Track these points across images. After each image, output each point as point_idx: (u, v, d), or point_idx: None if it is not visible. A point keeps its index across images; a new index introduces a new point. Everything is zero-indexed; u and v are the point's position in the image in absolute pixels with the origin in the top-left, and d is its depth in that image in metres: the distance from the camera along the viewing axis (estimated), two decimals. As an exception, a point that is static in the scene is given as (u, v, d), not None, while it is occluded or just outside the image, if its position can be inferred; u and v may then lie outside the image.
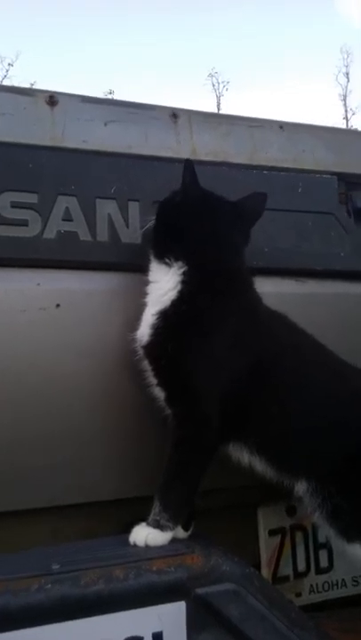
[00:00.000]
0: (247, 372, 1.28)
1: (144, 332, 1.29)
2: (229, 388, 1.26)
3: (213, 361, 1.26)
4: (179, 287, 1.29)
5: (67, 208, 1.36)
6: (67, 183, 1.37)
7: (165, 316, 1.28)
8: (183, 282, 1.29)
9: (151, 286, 1.34)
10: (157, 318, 1.28)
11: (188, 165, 1.36)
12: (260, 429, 1.31)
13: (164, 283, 1.32)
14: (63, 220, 1.35)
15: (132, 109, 1.54)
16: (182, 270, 1.30)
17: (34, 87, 1.47)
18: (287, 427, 1.31)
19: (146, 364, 1.30)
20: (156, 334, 1.27)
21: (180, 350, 1.25)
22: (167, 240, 1.34)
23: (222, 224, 1.36)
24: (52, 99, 1.44)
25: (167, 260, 1.32)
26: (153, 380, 1.29)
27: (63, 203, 1.35)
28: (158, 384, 1.29)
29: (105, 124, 1.48)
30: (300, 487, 1.33)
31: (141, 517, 1.22)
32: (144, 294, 1.35)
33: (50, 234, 1.34)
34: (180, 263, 1.31)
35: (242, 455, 1.32)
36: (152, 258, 1.36)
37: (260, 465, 1.32)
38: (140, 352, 1.30)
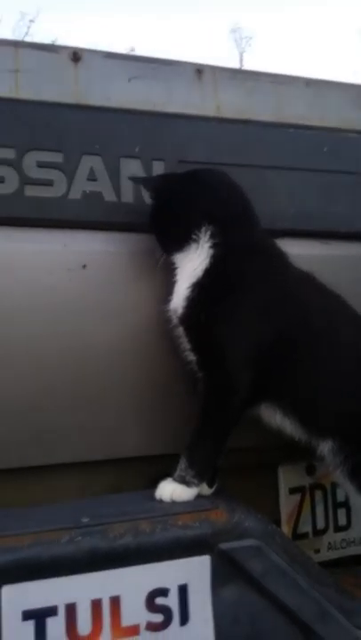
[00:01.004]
0: (279, 334, 1.28)
1: (178, 304, 1.30)
2: (261, 351, 1.27)
3: (245, 326, 1.27)
4: (210, 259, 1.29)
5: (91, 168, 1.35)
6: (91, 142, 1.36)
7: (199, 287, 1.28)
8: (213, 254, 1.29)
9: (180, 262, 1.34)
10: (191, 291, 1.29)
11: None
12: (292, 391, 1.32)
13: (194, 256, 1.31)
14: (88, 179, 1.34)
15: (156, 65, 1.50)
16: (211, 242, 1.30)
17: (57, 43, 1.43)
18: (317, 387, 1.33)
19: (180, 331, 1.31)
20: (190, 306, 1.28)
21: (215, 319, 1.26)
22: (190, 218, 1.32)
23: (239, 191, 1.36)
24: (76, 55, 1.41)
25: (193, 236, 1.31)
26: (186, 346, 1.31)
27: (88, 162, 1.34)
28: (191, 349, 1.30)
29: (129, 81, 1.45)
30: (325, 446, 1.35)
31: (167, 473, 1.25)
32: (172, 270, 1.35)
33: (75, 194, 1.33)
34: (207, 236, 1.30)
35: (274, 417, 1.34)
36: (172, 238, 1.34)
37: (290, 426, 1.34)
38: (175, 321, 1.31)
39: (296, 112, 1.64)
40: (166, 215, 1.35)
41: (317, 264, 1.43)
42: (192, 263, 1.31)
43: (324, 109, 1.67)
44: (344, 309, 1.40)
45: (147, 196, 1.39)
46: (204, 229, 1.31)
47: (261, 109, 1.60)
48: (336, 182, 1.60)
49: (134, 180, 1.37)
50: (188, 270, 1.31)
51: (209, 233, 1.30)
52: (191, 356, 1.31)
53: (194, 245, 1.31)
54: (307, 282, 1.37)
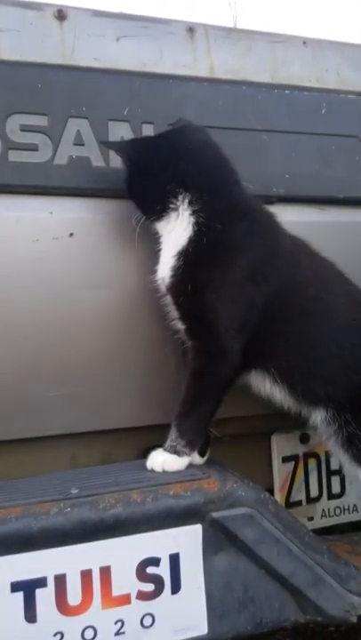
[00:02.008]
0: (267, 301, 1.26)
1: (165, 273, 1.28)
2: (251, 317, 1.25)
3: (233, 293, 1.24)
4: (192, 227, 1.26)
5: (78, 131, 1.30)
6: (77, 104, 1.31)
7: (184, 255, 1.26)
8: (195, 221, 1.27)
9: (163, 231, 1.31)
10: (177, 259, 1.26)
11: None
12: (281, 358, 1.30)
13: (176, 225, 1.28)
14: (75, 144, 1.30)
15: (146, 24, 1.44)
16: (191, 209, 1.27)
17: (41, 1, 1.37)
18: (308, 355, 1.31)
19: (168, 300, 1.29)
20: (176, 274, 1.26)
21: (202, 287, 1.24)
22: (164, 186, 1.28)
23: (215, 152, 1.31)
24: (61, 13, 1.35)
25: (172, 205, 1.28)
26: (175, 314, 1.29)
27: (74, 126, 1.30)
28: (180, 318, 1.28)
29: (117, 40, 1.40)
30: (318, 416, 1.34)
31: (158, 444, 1.24)
32: (157, 239, 1.32)
33: (61, 159, 1.29)
34: (185, 204, 1.27)
35: (263, 384, 1.33)
36: (151, 207, 1.30)
37: (280, 394, 1.33)
38: (163, 290, 1.29)
39: (293, 73, 1.59)
40: (141, 184, 1.30)
41: (313, 231, 1.40)
42: (175, 232, 1.28)
43: (322, 70, 1.62)
44: (336, 276, 1.37)
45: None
46: (181, 197, 1.27)
47: (256, 70, 1.55)
48: (334, 146, 1.56)
49: (105, 144, 1.31)
50: (173, 239, 1.28)
51: (187, 200, 1.27)
52: (179, 325, 1.29)
53: (174, 214, 1.28)
54: (297, 247, 1.35)
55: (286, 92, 1.53)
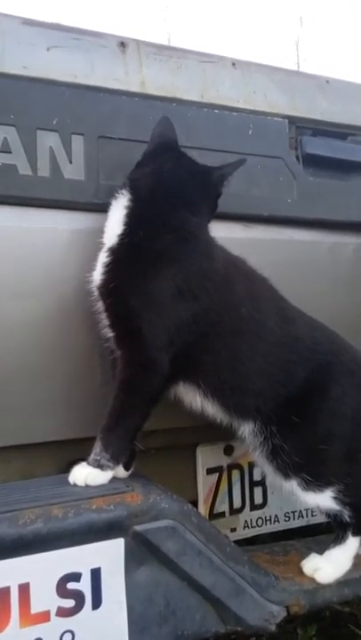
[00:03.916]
0: (197, 318, 1.27)
1: (98, 271, 1.28)
2: (179, 331, 1.26)
3: (159, 303, 1.25)
4: (124, 220, 1.28)
5: (5, 139, 1.28)
6: (5, 112, 1.28)
7: (113, 252, 1.27)
8: (128, 214, 1.28)
9: (106, 224, 1.32)
10: (107, 256, 1.27)
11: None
12: (212, 373, 1.32)
13: (114, 217, 1.30)
14: (1, 151, 1.27)
15: (78, 35, 1.44)
16: (127, 202, 1.29)
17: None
18: (239, 371, 1.33)
19: (100, 305, 1.28)
20: (105, 272, 1.26)
21: (126, 290, 1.24)
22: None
23: (169, 165, 1.34)
24: (-10, 18, 1.33)
25: (116, 193, 1.31)
26: (105, 321, 1.28)
27: (1, 133, 1.27)
28: (109, 325, 1.28)
29: (48, 50, 1.38)
30: (246, 428, 1.37)
31: (83, 458, 1.23)
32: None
33: (-13, 166, 1.26)
34: (126, 193, 1.30)
35: (194, 398, 1.34)
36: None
37: (211, 408, 1.35)
38: (95, 292, 1.28)
39: (222, 93, 1.63)
40: None
41: (239, 247, 1.43)
42: (110, 226, 1.30)
43: (250, 92, 1.67)
44: (269, 294, 1.41)
45: (66, 171, 1.34)
46: (123, 192, 1.30)
47: (187, 88, 1.58)
48: (260, 166, 1.61)
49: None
50: (108, 235, 1.29)
51: (126, 198, 1.29)
52: (110, 333, 1.28)
53: (115, 203, 1.30)
54: (233, 267, 1.37)
55: (215, 111, 1.57)
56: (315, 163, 1.69)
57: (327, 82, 1.80)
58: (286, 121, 1.65)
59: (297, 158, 1.67)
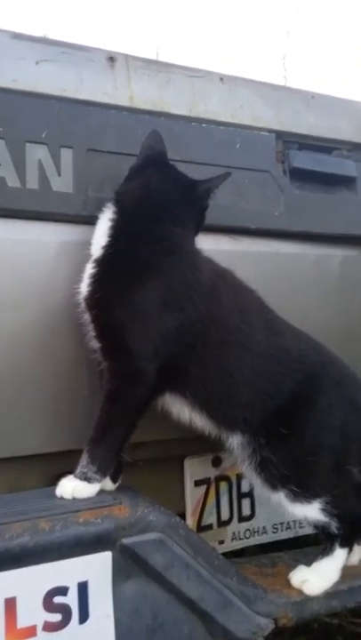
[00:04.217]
0: (184, 329, 1.28)
1: (85, 282, 1.28)
2: (165, 342, 1.26)
3: (143, 314, 1.25)
4: (109, 231, 1.29)
5: (-6, 151, 1.28)
6: (-6, 125, 1.29)
7: (98, 263, 1.28)
8: (112, 226, 1.30)
9: (93, 237, 1.33)
10: (93, 267, 1.28)
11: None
12: (200, 384, 1.32)
13: (100, 229, 1.31)
14: (-10, 164, 1.28)
15: (67, 49, 1.45)
16: (112, 215, 1.30)
17: None
18: (227, 382, 1.34)
19: (87, 317, 1.29)
20: (91, 283, 1.27)
21: (111, 300, 1.25)
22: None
23: (156, 178, 1.35)
24: (-21, 33, 1.34)
25: (104, 207, 1.33)
26: (92, 333, 1.28)
27: (-10, 146, 1.28)
28: (96, 335, 1.28)
29: (37, 64, 1.40)
30: (234, 440, 1.37)
31: (69, 471, 1.22)
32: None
33: (-25, 178, 1.26)
34: (111, 206, 1.31)
35: (182, 410, 1.35)
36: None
37: (200, 420, 1.35)
38: (82, 304, 1.29)
39: (210, 107, 1.65)
40: None
41: (227, 259, 1.44)
42: (96, 239, 1.31)
43: (237, 106, 1.69)
44: (256, 307, 1.42)
45: (55, 184, 1.35)
46: (110, 205, 1.32)
47: (175, 102, 1.59)
48: (247, 179, 1.62)
49: None
50: (95, 246, 1.31)
51: (112, 211, 1.31)
52: (97, 344, 1.28)
53: (102, 216, 1.31)
54: (221, 279, 1.38)
55: (203, 125, 1.59)
56: (301, 176, 1.72)
57: (313, 97, 1.83)
58: (273, 135, 1.67)
59: (284, 172, 1.69)
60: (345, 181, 1.80)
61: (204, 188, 1.38)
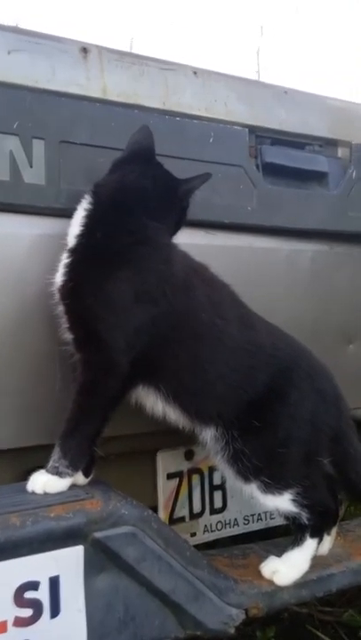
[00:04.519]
0: (156, 322, 1.28)
1: (59, 272, 1.28)
2: (136, 333, 1.26)
3: (115, 304, 1.25)
4: (83, 221, 1.29)
5: (-36, 142, 1.26)
6: (-36, 114, 1.27)
7: (72, 253, 1.27)
8: (86, 216, 1.29)
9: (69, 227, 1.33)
10: (67, 257, 1.27)
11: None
12: (174, 378, 1.33)
13: (75, 220, 1.31)
14: None
15: (39, 40, 1.43)
16: (88, 205, 1.30)
17: None
18: (201, 376, 1.34)
19: (61, 308, 1.28)
20: (65, 273, 1.26)
21: (83, 290, 1.24)
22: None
23: (135, 174, 1.35)
24: None
25: (82, 199, 1.32)
26: (65, 324, 1.27)
27: None
28: (69, 327, 1.27)
29: (8, 53, 1.37)
30: (208, 433, 1.38)
31: (41, 465, 1.22)
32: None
33: None
34: (88, 197, 1.31)
35: (156, 404, 1.35)
36: None
37: (173, 413, 1.35)
38: (56, 295, 1.28)
39: (184, 101, 1.64)
40: None
41: (202, 253, 1.45)
42: (72, 229, 1.30)
43: (211, 100, 1.69)
44: (230, 301, 1.43)
45: (27, 175, 1.33)
46: (86, 196, 1.31)
47: (149, 95, 1.58)
48: (221, 174, 1.63)
49: None
50: (70, 236, 1.30)
51: (87, 201, 1.30)
52: (69, 335, 1.28)
53: (78, 209, 1.30)
54: (195, 273, 1.38)
55: (177, 118, 1.59)
56: (274, 171, 1.73)
57: (285, 92, 1.84)
58: (246, 130, 1.67)
59: (257, 167, 1.70)
60: (317, 177, 1.81)
61: (185, 189, 1.38)
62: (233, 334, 1.39)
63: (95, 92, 1.48)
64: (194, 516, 1.64)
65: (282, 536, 1.62)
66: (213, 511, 1.68)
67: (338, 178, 1.82)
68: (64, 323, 1.28)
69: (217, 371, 1.36)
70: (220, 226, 1.63)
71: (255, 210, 1.66)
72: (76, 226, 1.30)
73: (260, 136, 1.73)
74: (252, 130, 1.70)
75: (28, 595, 1.05)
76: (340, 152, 1.89)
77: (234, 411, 1.36)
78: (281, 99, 1.81)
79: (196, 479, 1.66)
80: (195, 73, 1.68)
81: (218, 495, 1.69)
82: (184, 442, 1.55)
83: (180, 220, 1.42)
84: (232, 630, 1.29)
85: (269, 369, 1.40)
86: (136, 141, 1.39)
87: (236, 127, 1.67)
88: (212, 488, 1.68)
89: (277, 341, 1.44)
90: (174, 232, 1.41)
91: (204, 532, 1.66)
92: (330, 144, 1.88)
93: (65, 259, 1.28)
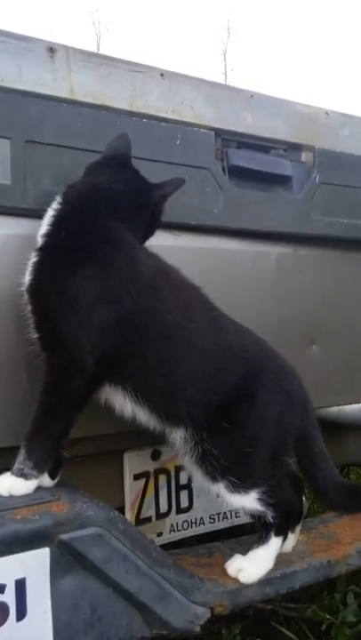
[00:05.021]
0: (121, 322, 1.28)
1: (27, 271, 1.27)
2: (100, 333, 1.26)
3: (79, 303, 1.24)
4: (51, 220, 1.29)
5: None
6: None
7: (39, 252, 1.27)
8: (54, 215, 1.29)
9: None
10: (35, 256, 1.27)
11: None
12: (141, 379, 1.33)
13: (44, 220, 1.31)
14: None
15: (5, 38, 1.42)
16: (56, 205, 1.30)
17: None
18: (169, 378, 1.35)
19: (29, 308, 1.27)
20: (32, 272, 1.26)
21: (48, 288, 1.24)
22: None
23: (104, 177, 1.35)
24: None
25: (53, 200, 1.32)
26: (32, 324, 1.27)
27: None
28: (35, 326, 1.26)
29: (-28, 51, 1.36)
30: (177, 434, 1.39)
31: (8, 468, 1.21)
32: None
33: None
34: (58, 198, 1.31)
35: (125, 405, 1.34)
36: None
37: (142, 414, 1.35)
38: (25, 295, 1.27)
39: (151, 103, 1.65)
40: None
41: (169, 255, 1.45)
42: (41, 228, 1.30)
43: (177, 102, 1.70)
44: (200, 303, 1.43)
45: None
46: (57, 197, 1.31)
47: (116, 96, 1.59)
48: (187, 176, 1.63)
49: None
50: (38, 236, 1.30)
51: (57, 201, 1.30)
52: (35, 335, 1.27)
53: (48, 210, 1.30)
54: (162, 274, 1.39)
55: (144, 120, 1.59)
56: (240, 174, 1.74)
57: (252, 96, 1.86)
58: (213, 133, 1.69)
59: (223, 169, 1.71)
60: (281, 180, 1.84)
61: (159, 194, 1.39)
62: (202, 336, 1.40)
63: (62, 93, 1.48)
64: (160, 516, 1.65)
65: (247, 534, 1.65)
66: (180, 510, 1.69)
67: (302, 182, 1.85)
68: (32, 322, 1.27)
69: (186, 372, 1.37)
70: (186, 227, 1.64)
71: (221, 212, 1.67)
72: (44, 225, 1.30)
73: (227, 139, 1.75)
74: (219, 133, 1.71)
75: (-6, 598, 1.05)
76: (304, 156, 1.93)
77: (203, 412, 1.37)
78: (247, 102, 1.83)
79: (162, 479, 1.67)
80: (162, 75, 1.69)
81: (184, 495, 1.70)
82: (151, 442, 1.56)
83: (153, 225, 1.42)
84: (198, 629, 1.30)
85: (239, 370, 1.41)
86: (112, 147, 1.40)
87: (202, 130, 1.69)
88: (179, 488, 1.69)
89: (247, 343, 1.46)
90: (146, 236, 1.41)
91: (171, 531, 1.67)
92: (294, 148, 1.91)
93: (33, 257, 1.27)
